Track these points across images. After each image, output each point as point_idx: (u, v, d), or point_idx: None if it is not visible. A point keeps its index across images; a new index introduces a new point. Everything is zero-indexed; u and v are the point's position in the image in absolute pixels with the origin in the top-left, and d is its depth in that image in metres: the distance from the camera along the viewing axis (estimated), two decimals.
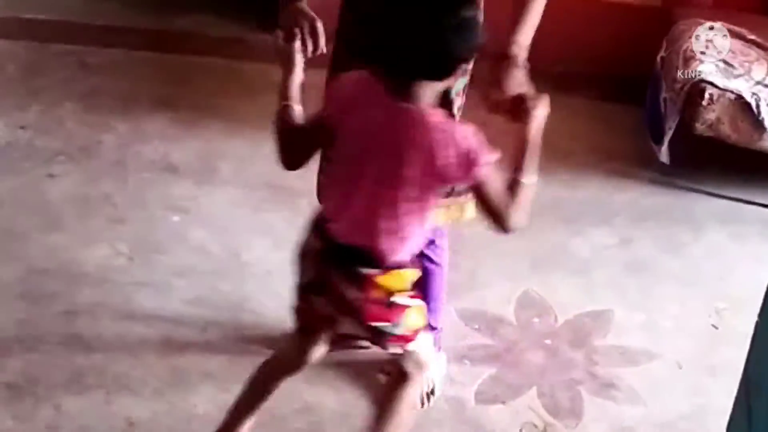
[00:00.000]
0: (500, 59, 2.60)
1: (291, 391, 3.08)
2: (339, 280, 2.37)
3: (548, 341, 3.42)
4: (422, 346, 2.49)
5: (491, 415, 3.10)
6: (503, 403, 3.15)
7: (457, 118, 2.73)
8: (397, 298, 2.37)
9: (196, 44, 5.18)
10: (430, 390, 3.12)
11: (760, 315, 1.55)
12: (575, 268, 3.82)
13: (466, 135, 2.19)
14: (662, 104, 4.35)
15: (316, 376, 3.15)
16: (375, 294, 2.34)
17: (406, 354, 2.48)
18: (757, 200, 4.14)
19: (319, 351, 2.65)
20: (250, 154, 4.30)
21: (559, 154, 4.55)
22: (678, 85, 4.10)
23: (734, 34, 4.03)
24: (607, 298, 3.64)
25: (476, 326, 3.46)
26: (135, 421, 2.93)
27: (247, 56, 5.08)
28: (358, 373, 3.20)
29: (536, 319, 3.52)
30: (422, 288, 2.60)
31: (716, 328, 3.52)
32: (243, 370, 3.06)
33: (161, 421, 2.95)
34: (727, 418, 3.02)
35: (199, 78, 4.95)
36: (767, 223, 4.15)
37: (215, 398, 3.01)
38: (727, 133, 4.06)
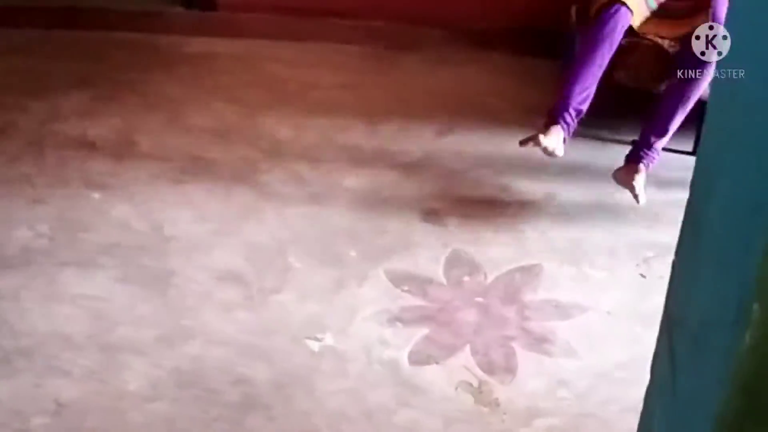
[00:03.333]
0: None
1: (223, 364, 3.07)
2: None
3: (480, 299, 3.41)
4: None
5: (426, 376, 3.09)
6: (437, 363, 3.14)
7: None
8: None
9: (110, 20, 5.12)
10: None
11: (676, 253, 1.58)
12: (503, 223, 3.81)
13: None
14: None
15: (249, 347, 3.14)
16: None
17: None
18: (678, 148, 4.16)
19: None
20: (168, 127, 4.25)
21: (484, 111, 4.55)
22: None
23: None
24: (537, 253, 3.65)
25: (406, 288, 3.44)
26: (64, 402, 2.89)
27: (162, 29, 5.04)
28: (293, 340, 3.19)
29: (466, 278, 3.51)
30: None
31: (644, 277, 3.54)
32: (173, 344, 3.04)
33: (91, 400, 2.91)
34: None
35: (115, 53, 4.90)
36: (689, 170, 4.17)
37: (147, 374, 2.98)
38: (647, 81, 4.07)
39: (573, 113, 3.90)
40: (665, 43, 4.03)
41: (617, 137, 4.25)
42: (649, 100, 4.02)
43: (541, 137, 3.83)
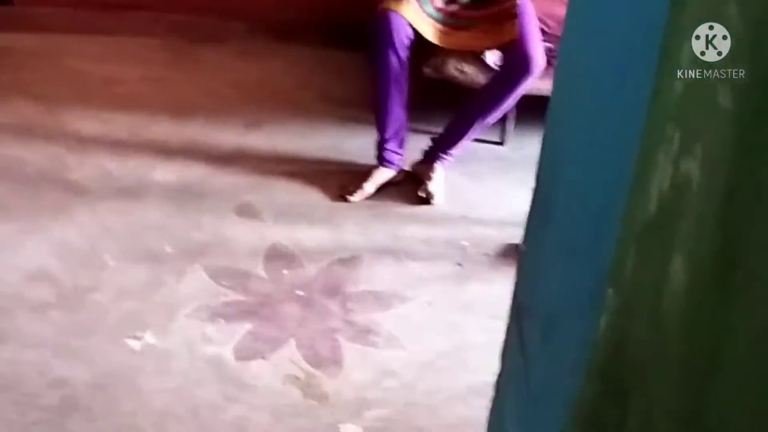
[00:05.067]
0: None
1: (39, 366, 2.95)
2: None
3: (301, 292, 3.40)
4: None
5: (253, 371, 3.06)
6: (263, 357, 3.11)
7: None
8: None
9: None
10: None
11: (523, 242, 1.59)
12: (320, 217, 3.81)
13: None
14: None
15: (66, 349, 3.03)
16: None
17: None
18: (486, 138, 4.26)
19: None
20: None
21: (292, 103, 4.53)
22: None
23: None
24: (355, 245, 3.66)
25: (226, 283, 3.39)
26: None
27: None
28: (112, 340, 3.09)
29: (286, 271, 3.49)
30: None
31: (461, 266, 3.60)
32: None
33: None
34: (482, 351, 3.13)
35: None
36: (499, 159, 4.29)
37: None
38: (453, 74, 4.13)
39: (395, 144, 3.95)
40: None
41: (427, 128, 4.27)
42: (462, 92, 4.08)
43: (356, 192, 3.92)
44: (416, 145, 4.07)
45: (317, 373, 3.07)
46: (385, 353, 3.18)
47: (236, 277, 3.43)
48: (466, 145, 4.02)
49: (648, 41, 1.15)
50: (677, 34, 1.09)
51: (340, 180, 4.01)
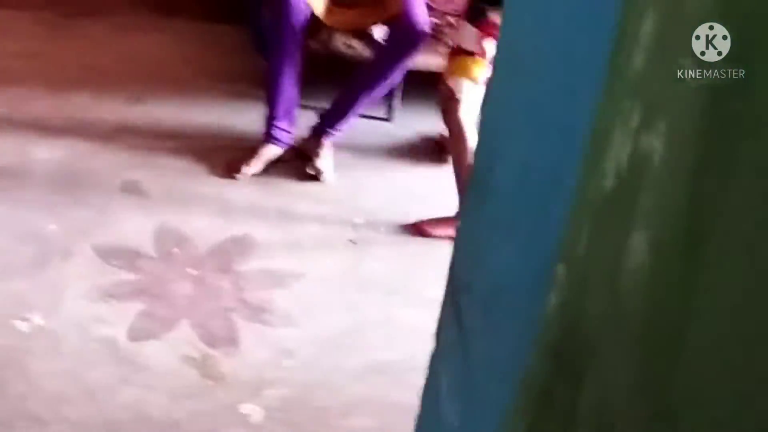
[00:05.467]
0: None
1: None
2: None
3: (193, 271, 3.34)
4: None
5: (147, 352, 2.99)
6: (157, 338, 3.05)
7: None
8: None
9: None
10: None
11: (460, 218, 1.58)
12: (209, 193, 3.75)
13: None
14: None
15: None
16: None
17: None
18: (373, 114, 4.25)
19: None
20: None
21: (174, 78, 4.45)
22: None
23: None
24: (246, 222, 3.61)
25: (116, 262, 3.31)
26: None
27: None
28: None
29: (176, 249, 3.43)
30: None
31: (354, 243, 3.60)
32: None
33: None
34: (379, 329, 3.14)
35: None
36: (387, 135, 4.29)
37: None
38: (341, 49, 4.11)
39: (285, 122, 3.90)
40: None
41: (313, 104, 4.22)
42: (344, 66, 4.06)
43: (244, 169, 3.86)
44: (304, 121, 4.04)
45: (213, 352, 3.03)
46: (281, 332, 3.15)
47: (126, 257, 3.36)
48: (353, 121, 4.01)
49: (603, 14, 1.15)
50: (635, 7, 1.09)
51: (227, 157, 3.95)
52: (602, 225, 1.15)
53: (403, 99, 4.33)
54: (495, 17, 3.37)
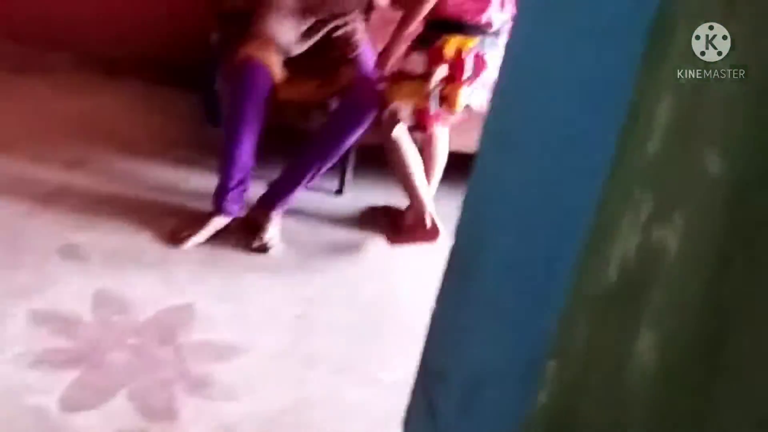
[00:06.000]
0: None
1: None
2: None
3: (132, 340, 3.21)
4: None
5: (80, 423, 2.85)
6: (92, 408, 2.90)
7: None
8: None
9: None
10: None
11: (437, 302, 1.47)
12: (151, 261, 3.63)
13: None
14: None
15: None
16: None
17: None
18: (324, 187, 4.18)
19: None
20: None
21: (120, 142, 4.35)
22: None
23: None
24: (190, 292, 3.49)
25: (50, 328, 3.17)
26: None
27: None
28: None
29: (116, 317, 3.29)
30: None
31: (302, 318, 3.49)
32: None
33: None
34: (325, 408, 3.03)
35: None
36: (338, 208, 4.21)
37: None
38: (295, 119, 4.05)
39: (237, 194, 3.81)
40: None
41: (266, 174, 4.15)
42: (296, 136, 3.99)
43: (190, 239, 3.76)
44: (252, 191, 3.94)
45: (150, 426, 2.89)
46: (222, 406, 3.02)
47: (62, 322, 3.21)
48: (303, 193, 3.92)
49: (614, 88, 1.09)
50: (654, 90, 1.03)
51: (172, 223, 3.84)
52: (604, 322, 1.07)
53: (354, 172, 4.26)
54: (441, 42, 3.55)
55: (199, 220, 3.81)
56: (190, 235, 3.74)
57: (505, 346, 1.25)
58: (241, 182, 3.80)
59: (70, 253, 3.57)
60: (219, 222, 3.82)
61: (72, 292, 3.37)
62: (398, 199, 4.15)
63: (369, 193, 4.31)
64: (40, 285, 3.37)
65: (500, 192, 1.28)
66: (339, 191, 4.26)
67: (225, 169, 3.79)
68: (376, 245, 4.01)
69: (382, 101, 3.68)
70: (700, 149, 0.96)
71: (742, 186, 0.90)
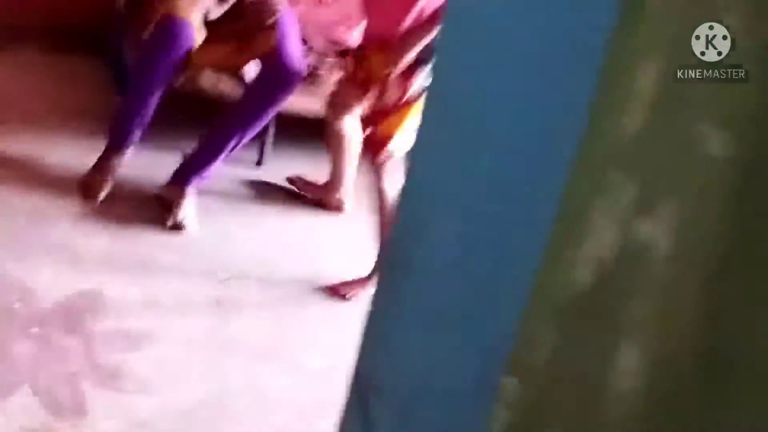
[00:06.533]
0: None
1: None
2: None
3: (36, 329, 2.97)
4: None
5: None
6: None
7: None
8: None
9: None
10: None
11: (372, 302, 1.25)
12: (56, 242, 3.38)
13: None
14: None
15: None
16: None
17: None
18: (242, 159, 3.97)
19: None
20: None
21: (23, 114, 4.07)
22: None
23: None
24: (98, 275, 3.26)
25: None
26: None
27: None
28: None
29: (18, 305, 3.05)
30: None
31: (220, 302, 3.28)
32: None
33: None
34: (245, 398, 2.84)
35: None
36: (256, 182, 4.01)
37: None
38: (208, 88, 3.83)
39: (124, 152, 3.59)
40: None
41: (175, 146, 3.91)
42: (209, 106, 3.77)
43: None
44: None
45: (58, 423, 2.67)
46: (136, 400, 2.80)
47: None
48: (220, 167, 3.70)
49: (583, 56, 0.90)
50: (627, 51, 0.85)
51: (79, 198, 3.60)
52: (575, 333, 0.89)
53: (274, 143, 4.04)
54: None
55: (103, 164, 3.62)
56: (102, 184, 3.52)
57: (451, 356, 1.06)
58: (137, 129, 3.62)
59: None
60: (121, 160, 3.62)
61: None
62: (315, 169, 3.97)
63: (290, 164, 4.10)
64: None
65: (445, 173, 1.09)
66: (258, 162, 4.05)
67: (129, 110, 3.59)
68: (298, 220, 3.81)
69: (377, 145, 3.46)
70: (694, 124, 0.78)
71: (752, 169, 0.73)
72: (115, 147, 3.62)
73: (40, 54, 4.49)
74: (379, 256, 3.22)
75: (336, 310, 3.37)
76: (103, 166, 3.61)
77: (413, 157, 1.21)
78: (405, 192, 1.18)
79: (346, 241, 3.69)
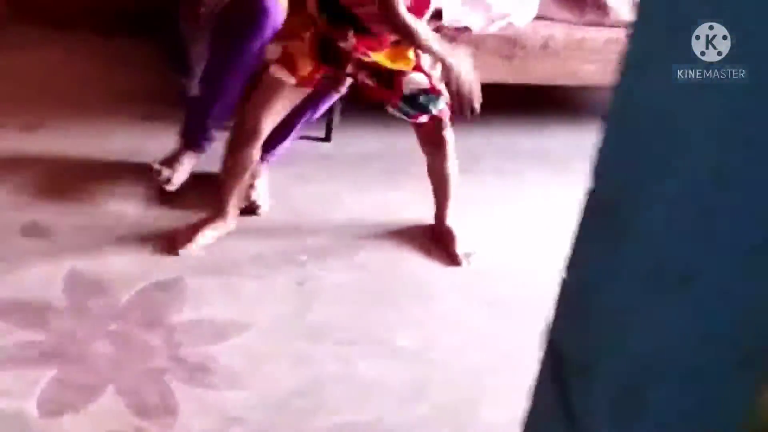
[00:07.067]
0: None
1: None
2: None
3: (114, 326, 2.82)
4: None
5: (65, 428, 2.47)
6: (76, 410, 2.53)
7: None
8: None
9: None
10: None
11: (569, 267, 1.03)
12: (125, 233, 3.22)
13: None
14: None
15: None
16: None
17: None
18: (310, 134, 3.79)
19: None
20: None
21: (74, 100, 3.91)
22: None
23: None
24: (173, 264, 3.10)
25: (17, 319, 2.78)
26: None
27: None
28: None
29: (92, 301, 2.90)
30: None
31: (301, 284, 3.10)
32: None
33: None
34: (340, 385, 2.66)
35: None
36: (326, 157, 3.83)
37: None
38: None
39: (211, 134, 3.40)
40: None
41: None
42: None
43: (165, 171, 3.35)
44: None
45: (147, 424, 2.52)
46: (225, 395, 2.64)
47: (30, 311, 2.82)
48: (290, 143, 3.52)
49: None
50: None
51: (144, 187, 3.43)
52: None
53: (342, 117, 3.86)
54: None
55: (172, 160, 3.43)
56: (170, 176, 3.36)
57: (696, 324, 0.87)
58: (219, 122, 3.44)
59: (33, 231, 3.16)
60: (192, 159, 3.44)
61: (38, 275, 2.98)
62: (388, 143, 3.79)
63: (359, 138, 3.92)
64: (1, 271, 2.97)
65: (667, 118, 0.89)
66: (326, 138, 3.86)
67: (209, 105, 3.41)
68: (372, 196, 3.61)
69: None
70: None
71: None
72: (191, 147, 3.45)
73: (83, 37, 4.33)
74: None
75: (421, 287, 3.18)
76: (174, 162, 3.42)
77: (616, 97, 1.00)
78: (606, 142, 0.98)
79: (423, 216, 3.48)
